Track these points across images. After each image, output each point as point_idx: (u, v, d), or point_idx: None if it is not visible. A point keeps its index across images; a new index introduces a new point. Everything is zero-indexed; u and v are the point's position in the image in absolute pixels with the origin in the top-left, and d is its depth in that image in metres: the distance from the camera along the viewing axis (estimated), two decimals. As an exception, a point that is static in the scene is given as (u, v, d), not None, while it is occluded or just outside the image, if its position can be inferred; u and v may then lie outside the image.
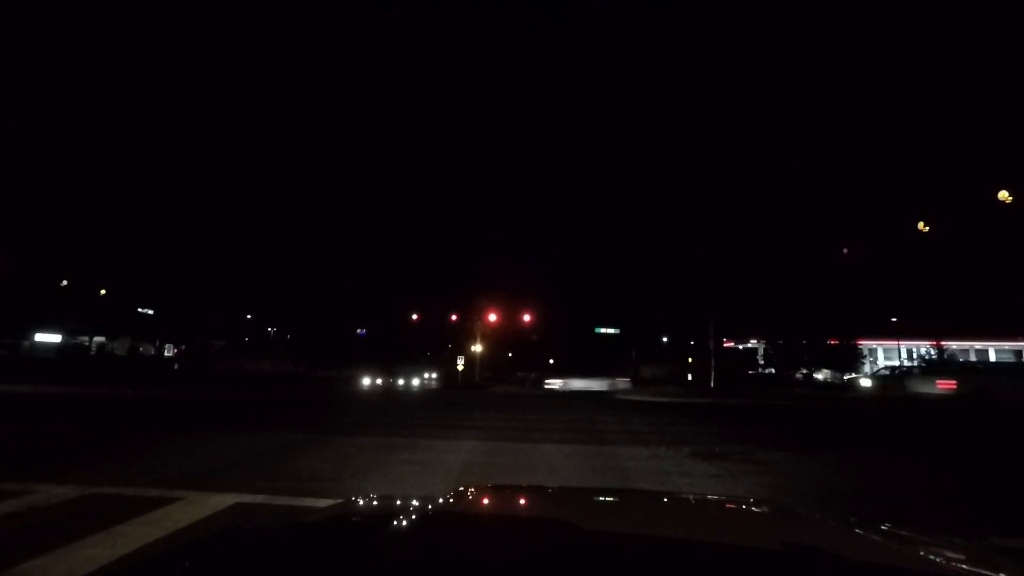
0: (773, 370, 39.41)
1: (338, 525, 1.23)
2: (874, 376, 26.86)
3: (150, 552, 3.30)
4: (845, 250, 41.04)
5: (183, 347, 53.63)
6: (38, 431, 8.90)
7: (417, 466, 6.52)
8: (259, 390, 21.65)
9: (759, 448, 8.32)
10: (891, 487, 5.91)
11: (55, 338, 48.74)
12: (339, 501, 1.61)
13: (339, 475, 5.93)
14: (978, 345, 47.58)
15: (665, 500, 1.93)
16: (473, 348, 35.83)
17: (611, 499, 1.73)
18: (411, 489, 5.40)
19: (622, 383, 29.65)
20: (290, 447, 7.62)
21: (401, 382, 30.50)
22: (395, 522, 1.28)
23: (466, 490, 1.68)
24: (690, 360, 45.99)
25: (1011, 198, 20.10)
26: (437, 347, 51.91)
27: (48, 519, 4.04)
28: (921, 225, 25.52)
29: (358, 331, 63.36)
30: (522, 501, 1.64)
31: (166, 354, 54.76)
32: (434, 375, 35.11)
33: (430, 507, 1.38)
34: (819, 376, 37.52)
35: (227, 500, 4.74)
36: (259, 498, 4.86)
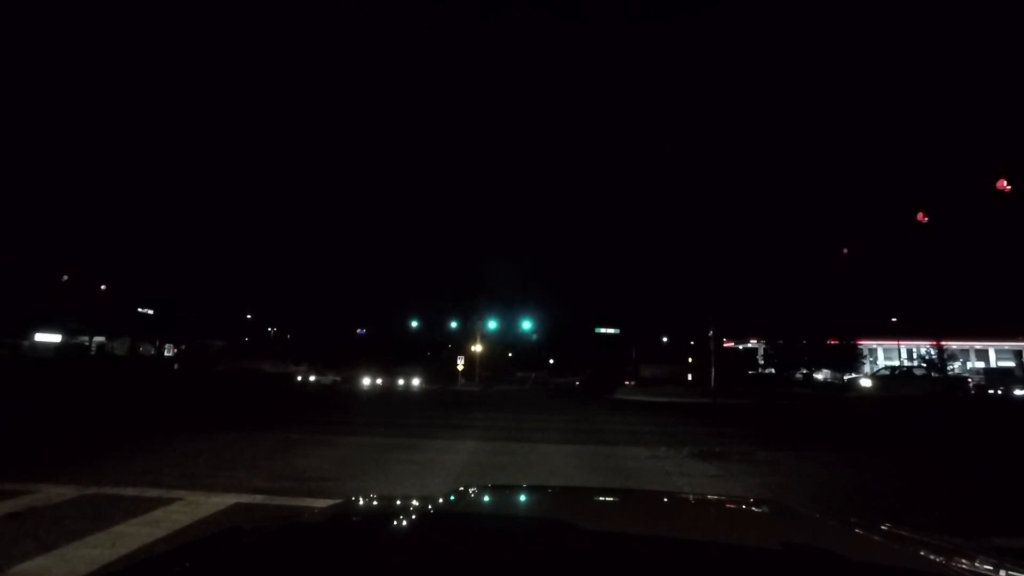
0: (773, 370, 39.41)
1: (338, 525, 1.23)
2: (874, 376, 26.84)
3: (150, 552, 3.31)
4: (845, 250, 41.07)
5: (183, 347, 53.58)
6: (38, 432, 8.90)
7: (417, 466, 6.52)
8: (259, 390, 21.65)
9: (759, 448, 8.32)
10: (891, 487, 5.91)
11: (55, 338, 48.63)
12: (339, 501, 1.61)
13: (339, 475, 5.93)
14: (978, 345, 47.59)
15: (665, 500, 1.93)
16: (473, 348, 35.85)
17: (611, 499, 1.73)
18: (411, 489, 5.40)
19: None
20: (290, 447, 7.61)
21: (401, 382, 30.46)
22: (395, 522, 1.28)
23: (466, 490, 1.68)
24: (690, 360, 45.93)
25: (1009, 187, 20.06)
26: (437, 347, 51.91)
27: (48, 519, 4.04)
28: (921, 215, 25.45)
29: (358, 331, 63.29)
30: (522, 501, 1.64)
31: (166, 354, 54.69)
32: (434, 375, 35.08)
33: (430, 507, 1.38)
34: (819, 376, 37.55)
35: (227, 500, 4.74)
36: (259, 498, 4.86)
